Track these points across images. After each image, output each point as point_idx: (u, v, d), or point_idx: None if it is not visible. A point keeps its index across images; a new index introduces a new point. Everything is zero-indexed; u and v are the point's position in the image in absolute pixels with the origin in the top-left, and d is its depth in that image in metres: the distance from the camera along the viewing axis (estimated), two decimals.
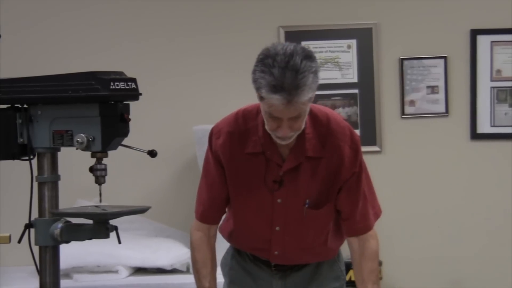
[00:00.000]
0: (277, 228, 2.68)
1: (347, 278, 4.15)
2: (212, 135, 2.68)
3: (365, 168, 2.70)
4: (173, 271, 4.05)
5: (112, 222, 3.06)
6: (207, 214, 2.74)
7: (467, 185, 4.71)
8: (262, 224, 2.68)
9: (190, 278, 3.90)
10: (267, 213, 2.65)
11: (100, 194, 3.10)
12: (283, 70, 2.36)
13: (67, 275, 3.92)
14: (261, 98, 2.44)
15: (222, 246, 2.86)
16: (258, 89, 2.42)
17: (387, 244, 4.60)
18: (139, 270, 4.09)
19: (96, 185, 3.08)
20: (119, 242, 3.09)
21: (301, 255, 2.75)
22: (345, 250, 2.95)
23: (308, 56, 2.41)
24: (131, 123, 3.07)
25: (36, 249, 3.12)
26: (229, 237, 2.84)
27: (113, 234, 3.07)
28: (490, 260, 4.69)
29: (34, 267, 3.15)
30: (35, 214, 3.11)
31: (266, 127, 2.51)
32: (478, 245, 4.71)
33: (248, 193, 2.65)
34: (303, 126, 2.51)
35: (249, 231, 2.74)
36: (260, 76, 2.39)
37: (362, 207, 2.69)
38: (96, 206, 3.14)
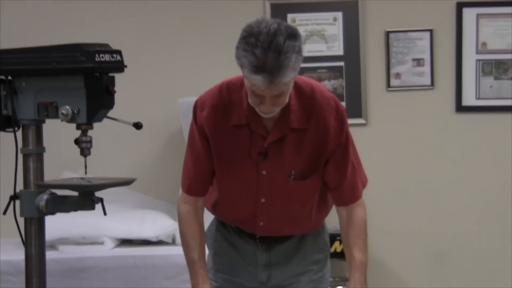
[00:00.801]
0: (263, 200, 2.68)
1: (332, 249, 4.19)
2: (197, 107, 2.67)
3: (351, 139, 2.71)
4: (159, 242, 4.06)
5: (98, 194, 3.07)
6: (194, 187, 2.74)
7: (452, 157, 4.73)
8: (247, 196, 2.69)
9: (175, 250, 3.93)
10: (252, 185, 2.66)
11: (86, 166, 3.11)
12: (265, 51, 2.35)
13: (53, 247, 3.92)
14: (244, 75, 2.45)
15: (207, 218, 2.87)
16: (241, 66, 2.42)
17: (371, 216, 4.62)
18: (125, 242, 4.10)
19: (82, 157, 3.09)
20: (105, 213, 3.11)
21: (286, 227, 2.76)
22: (329, 222, 2.96)
23: (292, 35, 2.40)
24: (116, 96, 3.07)
25: (21, 221, 3.12)
26: (213, 209, 2.84)
27: (98, 206, 3.09)
28: (474, 233, 4.72)
29: (19, 238, 3.16)
30: (20, 186, 3.11)
31: (250, 101, 2.51)
32: (462, 218, 4.73)
33: (233, 165, 2.65)
34: (286, 101, 2.51)
35: (234, 203, 2.74)
36: (242, 54, 2.38)
37: (351, 177, 2.70)
38: (82, 178, 3.15)
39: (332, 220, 3.14)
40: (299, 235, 2.81)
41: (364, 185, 2.80)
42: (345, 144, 2.65)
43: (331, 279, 2.82)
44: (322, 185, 2.72)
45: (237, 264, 2.82)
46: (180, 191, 2.77)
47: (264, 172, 2.63)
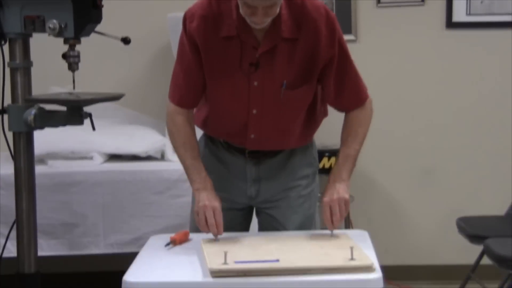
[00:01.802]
0: (254, 111, 2.68)
1: (320, 165, 4.22)
2: (186, 19, 2.65)
3: (347, 49, 2.69)
4: (148, 158, 4.07)
5: (86, 109, 3.07)
6: (186, 99, 2.73)
7: (441, 74, 4.73)
8: (238, 108, 2.69)
9: (164, 165, 3.96)
10: (243, 97, 2.66)
11: (74, 81, 3.10)
12: None
13: (42, 161, 3.93)
14: None
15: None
16: None
17: None
18: (114, 157, 4.11)
19: (70, 72, 3.07)
20: (93, 128, 3.11)
21: (276, 139, 2.77)
22: (318, 138, 2.98)
23: None
24: (104, 10, 3.04)
25: (10, 135, 3.12)
26: (203, 125, 2.84)
27: (87, 121, 3.09)
28: (461, 149, 4.76)
29: (8, 152, 3.17)
30: (8, 101, 3.10)
31: (241, 12, 2.49)
32: (450, 134, 4.76)
33: (224, 77, 2.64)
34: (277, 11, 2.50)
35: (225, 115, 2.74)
36: None
37: (352, 83, 2.71)
38: (70, 93, 3.14)
39: (321, 136, 3.16)
40: (288, 150, 2.83)
41: (366, 88, 2.79)
42: (340, 53, 2.64)
43: (319, 194, 2.85)
44: (313, 97, 2.72)
45: (226, 180, 2.84)
46: (170, 104, 2.76)
47: (255, 83, 2.62)
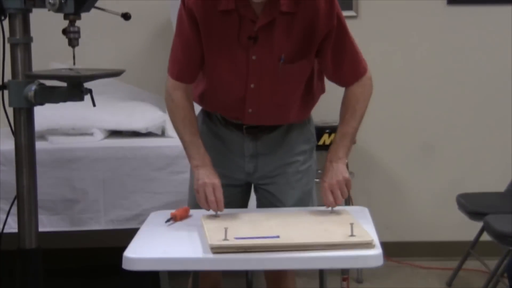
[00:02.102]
0: (252, 86, 2.68)
1: (320, 142, 4.23)
2: None
3: (345, 24, 2.68)
4: (148, 134, 4.07)
5: (87, 85, 3.06)
6: (184, 73, 2.73)
7: (442, 50, 4.72)
8: (236, 82, 2.69)
9: (165, 141, 3.96)
10: (242, 71, 2.66)
11: (74, 57, 3.09)
12: None
13: (42, 137, 3.93)
14: None
15: None
16: None
17: None
18: (114, 133, 4.11)
19: (70, 48, 3.06)
20: (94, 105, 3.10)
21: (273, 114, 2.77)
22: (317, 116, 2.98)
23: None
24: None
25: (10, 111, 3.12)
26: (200, 100, 2.84)
27: (87, 97, 3.08)
28: (461, 126, 4.76)
29: (9, 128, 3.16)
30: (8, 77, 3.10)
31: None
32: (451, 110, 4.76)
33: (222, 51, 2.64)
34: None
35: (223, 90, 2.74)
36: None
37: (350, 57, 2.70)
38: (70, 69, 3.13)
39: (321, 113, 3.16)
40: (285, 126, 2.83)
41: (364, 62, 2.77)
42: (338, 27, 2.63)
43: (319, 171, 2.85)
44: (311, 73, 2.72)
45: (224, 156, 2.85)
46: (168, 79, 2.76)
47: (254, 57, 2.62)
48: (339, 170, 2.67)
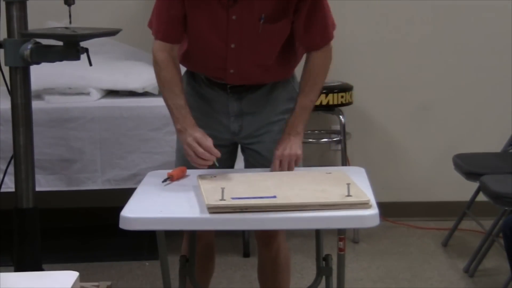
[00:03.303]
0: (232, 46, 2.68)
1: (318, 103, 4.20)
2: None
3: None
4: (145, 94, 4.06)
5: (83, 44, 3.05)
6: (169, 33, 2.72)
7: (436, 10, 4.68)
8: (217, 42, 2.68)
9: (161, 101, 3.92)
10: (222, 30, 2.65)
11: (70, 16, 3.07)
12: None
13: (38, 96, 3.92)
14: None
15: None
16: None
17: (357, 69, 4.63)
18: (111, 93, 4.10)
19: (66, 6, 3.04)
20: (90, 64, 3.09)
21: (255, 73, 2.77)
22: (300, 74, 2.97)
23: None
24: None
25: (6, 70, 3.11)
26: (183, 59, 2.83)
27: (84, 57, 3.07)
28: (458, 86, 4.75)
29: (5, 87, 3.16)
30: (4, 35, 3.08)
31: None
32: (448, 71, 4.75)
33: (203, 10, 2.63)
34: None
35: (204, 49, 2.73)
36: None
37: (321, 20, 2.70)
38: (66, 28, 3.12)
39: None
40: (269, 84, 2.83)
41: (334, 27, 2.78)
42: None
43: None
44: (292, 31, 2.71)
45: (209, 116, 2.84)
46: (154, 42, 2.74)
47: (234, 17, 2.62)
48: (294, 145, 2.73)
